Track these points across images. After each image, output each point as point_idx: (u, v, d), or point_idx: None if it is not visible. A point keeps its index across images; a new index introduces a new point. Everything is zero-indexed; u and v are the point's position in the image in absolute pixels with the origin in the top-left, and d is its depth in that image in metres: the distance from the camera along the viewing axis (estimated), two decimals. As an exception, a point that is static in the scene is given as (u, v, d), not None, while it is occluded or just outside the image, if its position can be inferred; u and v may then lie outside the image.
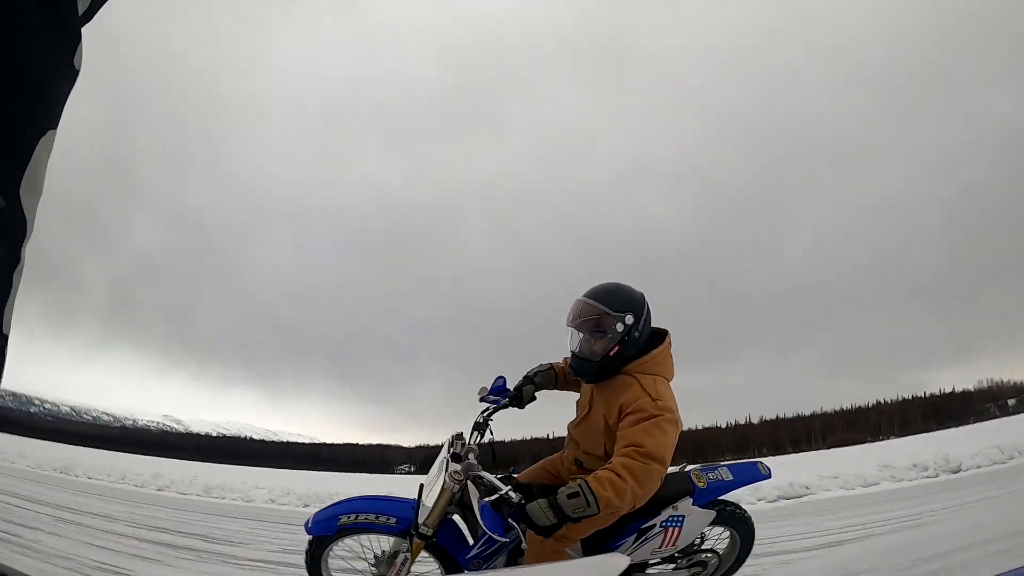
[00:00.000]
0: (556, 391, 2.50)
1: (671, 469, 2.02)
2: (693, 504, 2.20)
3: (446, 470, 1.99)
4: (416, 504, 2.06)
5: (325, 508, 2.20)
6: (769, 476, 2.37)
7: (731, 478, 2.28)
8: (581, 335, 2.11)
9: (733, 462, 2.41)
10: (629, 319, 2.05)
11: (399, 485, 12.88)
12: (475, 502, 1.89)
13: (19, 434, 24.31)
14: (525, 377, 2.46)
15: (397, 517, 2.12)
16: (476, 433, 2.29)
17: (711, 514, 2.25)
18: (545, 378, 2.46)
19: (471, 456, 2.05)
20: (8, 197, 0.53)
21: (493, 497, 1.80)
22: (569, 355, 2.23)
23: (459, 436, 2.21)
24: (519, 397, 2.40)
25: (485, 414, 2.34)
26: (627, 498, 1.80)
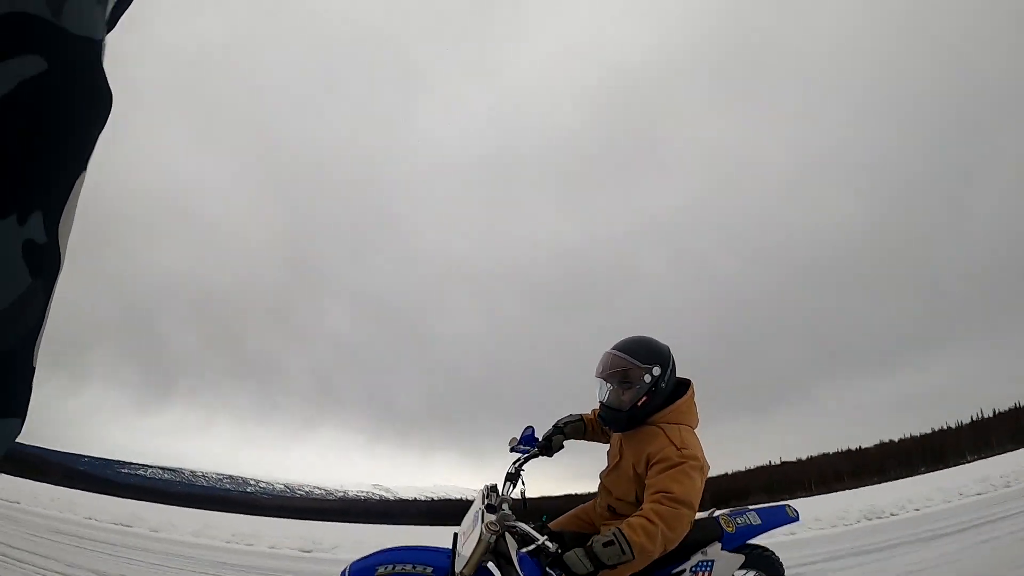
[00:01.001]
0: (584, 441, 2.56)
1: (700, 514, 2.06)
2: (722, 549, 2.20)
3: (482, 521, 2.04)
4: (452, 554, 2.11)
5: (363, 558, 2.15)
6: (797, 519, 2.40)
7: (759, 522, 2.31)
8: (610, 386, 2.21)
9: (761, 506, 2.40)
10: (656, 371, 2.17)
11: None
12: (513, 553, 1.97)
13: (249, 513, 27.20)
14: (554, 427, 2.54)
15: (434, 567, 2.10)
16: (509, 484, 2.32)
17: (740, 558, 2.25)
18: (574, 428, 2.54)
19: (505, 506, 2.10)
20: (50, 234, 0.57)
21: (530, 547, 1.88)
22: (597, 405, 2.32)
23: (493, 487, 2.25)
24: (548, 446, 2.48)
25: (516, 464, 2.39)
26: (659, 542, 1.88)
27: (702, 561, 2.15)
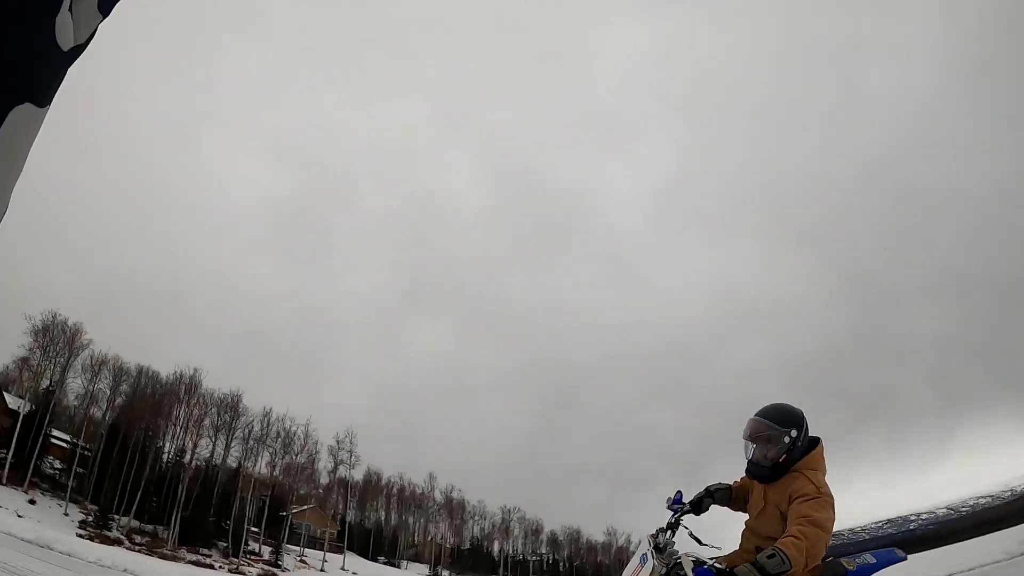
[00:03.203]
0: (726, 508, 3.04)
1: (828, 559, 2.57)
2: None
3: (652, 558, 2.58)
4: None
5: None
6: (905, 559, 2.82)
7: (874, 561, 2.73)
8: (755, 446, 2.68)
9: (875, 549, 2.86)
10: (794, 433, 2.63)
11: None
12: (689, 571, 2.43)
13: None
14: (706, 490, 3.03)
15: None
16: (669, 531, 2.80)
17: None
18: (723, 494, 3.01)
19: (670, 547, 2.66)
20: None
21: (704, 565, 2.42)
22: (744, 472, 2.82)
23: (657, 534, 2.76)
24: (699, 505, 2.96)
25: (675, 517, 2.86)
26: (804, 556, 2.29)
27: None
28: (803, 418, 2.67)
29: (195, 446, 41.98)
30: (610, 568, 51.56)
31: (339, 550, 45.03)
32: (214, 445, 42.54)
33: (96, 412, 41.83)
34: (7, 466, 39.30)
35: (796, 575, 2.27)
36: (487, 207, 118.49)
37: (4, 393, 41.78)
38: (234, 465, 43.21)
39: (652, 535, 2.72)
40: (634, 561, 2.68)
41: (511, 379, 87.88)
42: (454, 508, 51.54)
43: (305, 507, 46.73)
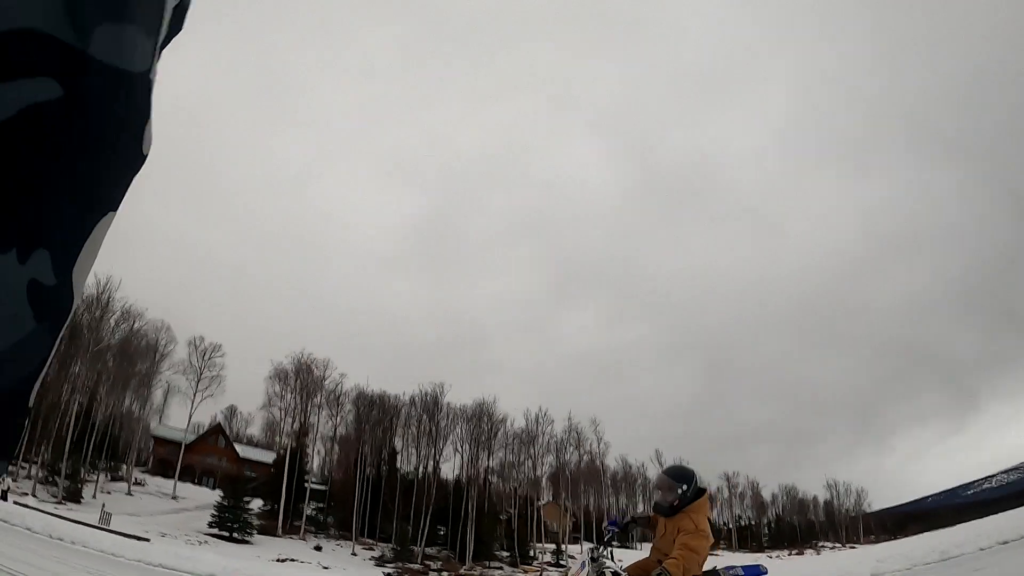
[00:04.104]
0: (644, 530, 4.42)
1: (707, 567, 3.70)
2: None
3: (588, 566, 3.82)
4: None
5: None
6: (767, 574, 3.86)
7: (741, 572, 3.84)
8: (660, 491, 3.91)
9: (746, 564, 4.09)
10: (684, 487, 3.82)
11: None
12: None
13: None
14: (632, 518, 4.43)
15: None
16: (604, 547, 4.05)
17: None
18: (643, 521, 4.28)
19: (602, 558, 3.91)
20: (61, 276, 0.53)
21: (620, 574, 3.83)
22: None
23: (595, 547, 4.02)
24: (625, 529, 4.34)
25: (607, 537, 4.19)
26: (680, 571, 3.40)
27: None
28: (693, 475, 3.91)
29: (443, 461, 40.64)
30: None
31: (577, 540, 44.61)
32: (464, 458, 41.19)
33: (345, 448, 40.00)
34: (280, 516, 37.52)
35: None
36: (612, 189, 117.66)
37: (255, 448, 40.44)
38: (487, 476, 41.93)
39: (591, 548, 4.00)
40: (575, 567, 4.00)
41: (666, 354, 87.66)
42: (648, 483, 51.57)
43: (542, 503, 46.09)
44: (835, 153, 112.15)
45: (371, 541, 38.67)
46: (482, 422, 41.06)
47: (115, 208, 0.56)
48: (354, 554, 37.35)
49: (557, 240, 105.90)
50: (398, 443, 41.09)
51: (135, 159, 0.57)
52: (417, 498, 38.61)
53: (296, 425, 39.92)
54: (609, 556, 3.98)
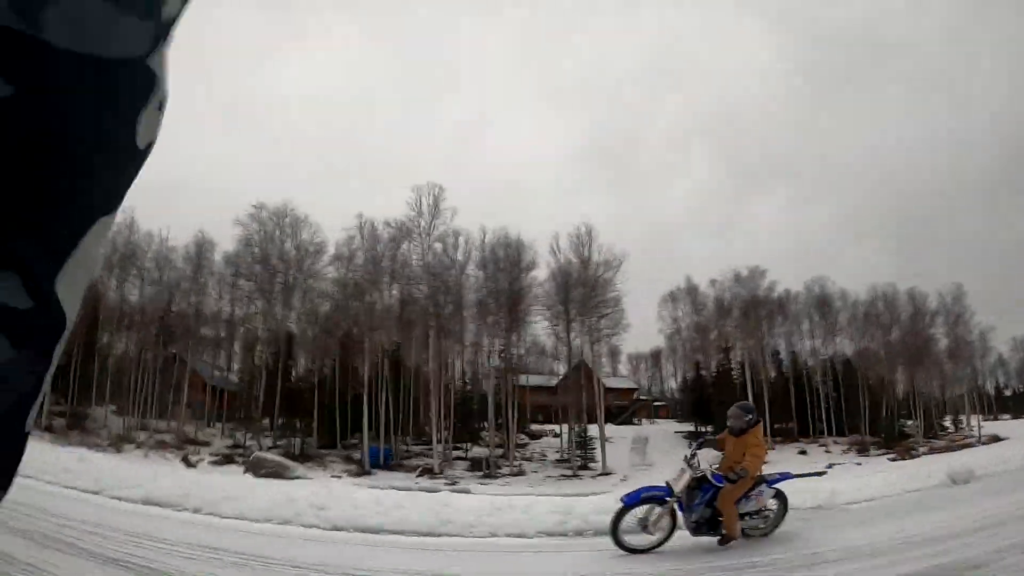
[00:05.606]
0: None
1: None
2: (767, 486, 5.81)
3: (688, 471, 5.46)
4: (668, 490, 5.40)
5: (631, 492, 5.57)
6: (799, 476, 6.65)
7: (778, 478, 5.97)
8: (732, 419, 5.91)
9: (784, 471, 6.37)
10: (748, 416, 5.86)
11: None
12: (709, 475, 5.48)
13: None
14: (705, 439, 6.48)
15: (664, 493, 5.39)
16: (694, 456, 5.72)
17: (772, 491, 5.85)
18: (713, 443, 6.33)
19: (695, 463, 5.59)
20: (40, 295, 0.44)
21: (711, 471, 5.66)
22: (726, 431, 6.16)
23: (690, 457, 5.67)
24: (702, 446, 6.16)
25: (693, 450, 5.84)
26: (751, 471, 5.46)
27: (760, 491, 5.70)
28: (754, 409, 6.26)
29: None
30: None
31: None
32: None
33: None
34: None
35: (749, 478, 5.46)
36: (778, 69, 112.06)
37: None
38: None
39: (686, 456, 5.69)
40: (675, 473, 5.57)
41: (860, 231, 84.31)
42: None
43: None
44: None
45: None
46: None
47: (111, 211, 0.49)
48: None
49: (731, 132, 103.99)
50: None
51: (129, 155, 0.48)
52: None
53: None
54: (697, 462, 5.74)
